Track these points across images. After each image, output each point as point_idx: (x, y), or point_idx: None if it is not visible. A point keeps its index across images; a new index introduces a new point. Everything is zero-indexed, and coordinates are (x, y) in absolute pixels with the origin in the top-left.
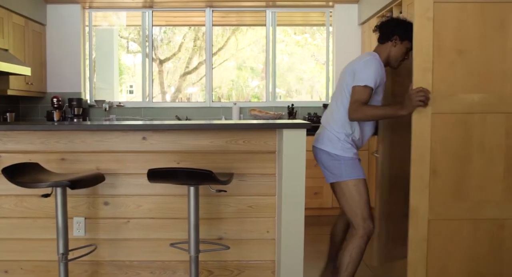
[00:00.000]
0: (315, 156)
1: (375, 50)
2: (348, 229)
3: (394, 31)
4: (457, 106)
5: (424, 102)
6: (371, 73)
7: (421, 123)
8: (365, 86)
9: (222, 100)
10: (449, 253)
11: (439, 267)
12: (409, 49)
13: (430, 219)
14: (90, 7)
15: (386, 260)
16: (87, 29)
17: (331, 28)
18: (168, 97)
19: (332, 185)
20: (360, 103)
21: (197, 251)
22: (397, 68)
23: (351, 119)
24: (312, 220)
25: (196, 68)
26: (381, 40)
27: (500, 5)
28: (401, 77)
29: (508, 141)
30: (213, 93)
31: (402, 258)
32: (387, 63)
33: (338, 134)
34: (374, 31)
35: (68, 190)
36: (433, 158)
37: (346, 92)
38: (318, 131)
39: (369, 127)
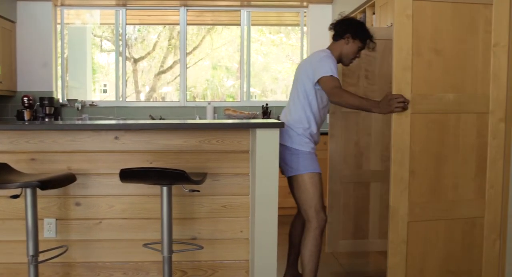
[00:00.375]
0: None
1: (329, 48)
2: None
3: (347, 29)
4: (434, 105)
5: (403, 108)
6: (329, 65)
7: (401, 124)
8: (331, 76)
9: (197, 100)
10: (426, 255)
11: (417, 269)
12: (361, 48)
13: (409, 221)
14: (62, 5)
15: (339, 249)
16: (59, 27)
17: (305, 28)
18: (142, 96)
19: (289, 179)
20: (339, 88)
21: (171, 251)
22: (348, 66)
23: (332, 102)
24: (287, 219)
25: (171, 67)
26: (335, 37)
27: (471, 6)
28: (354, 79)
29: (479, 141)
30: (188, 92)
31: (360, 251)
32: (339, 60)
33: (296, 129)
34: (329, 29)
35: (38, 191)
36: (412, 158)
37: (301, 90)
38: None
39: (322, 122)
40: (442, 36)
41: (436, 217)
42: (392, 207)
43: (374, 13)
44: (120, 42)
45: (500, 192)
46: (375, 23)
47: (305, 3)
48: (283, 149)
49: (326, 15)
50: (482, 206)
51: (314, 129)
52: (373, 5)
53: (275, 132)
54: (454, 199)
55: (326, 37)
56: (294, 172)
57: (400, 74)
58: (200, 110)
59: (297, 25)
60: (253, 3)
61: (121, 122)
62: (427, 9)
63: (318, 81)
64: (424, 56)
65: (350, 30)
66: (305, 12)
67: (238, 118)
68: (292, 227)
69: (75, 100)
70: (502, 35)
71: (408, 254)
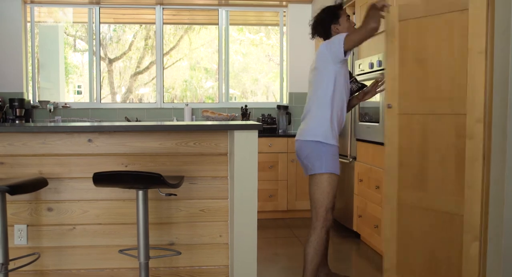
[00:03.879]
0: (299, 150)
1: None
2: (329, 232)
3: (325, 24)
4: (418, 107)
5: (386, 6)
6: (337, 37)
7: (391, 122)
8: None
9: (175, 101)
10: (412, 233)
11: (405, 244)
12: (347, 17)
13: (398, 204)
14: (32, 2)
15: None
16: (29, 25)
17: (285, 28)
18: (118, 98)
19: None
20: (346, 37)
21: (147, 257)
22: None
23: (347, 47)
24: (267, 223)
25: (147, 68)
26: (326, 37)
27: (447, 15)
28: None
29: (458, 141)
30: (166, 94)
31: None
32: None
33: (320, 121)
34: (312, 37)
35: (8, 196)
36: (400, 152)
37: (319, 75)
38: (301, 126)
39: (343, 113)
40: (424, 47)
41: (422, 205)
42: (385, 193)
43: (354, 13)
44: (94, 42)
45: (480, 193)
46: (356, 22)
47: (284, 3)
48: (306, 145)
49: (305, 15)
50: (461, 205)
51: (335, 117)
52: (353, 5)
53: (254, 134)
54: (436, 192)
55: (305, 37)
56: (315, 170)
57: (390, 82)
58: (178, 112)
59: (277, 24)
60: (231, 2)
61: (95, 124)
62: (411, 26)
63: (344, 50)
64: (408, 67)
65: (329, 22)
66: (284, 11)
67: (216, 120)
68: None
69: (47, 102)
70: (478, 39)
71: (398, 230)
